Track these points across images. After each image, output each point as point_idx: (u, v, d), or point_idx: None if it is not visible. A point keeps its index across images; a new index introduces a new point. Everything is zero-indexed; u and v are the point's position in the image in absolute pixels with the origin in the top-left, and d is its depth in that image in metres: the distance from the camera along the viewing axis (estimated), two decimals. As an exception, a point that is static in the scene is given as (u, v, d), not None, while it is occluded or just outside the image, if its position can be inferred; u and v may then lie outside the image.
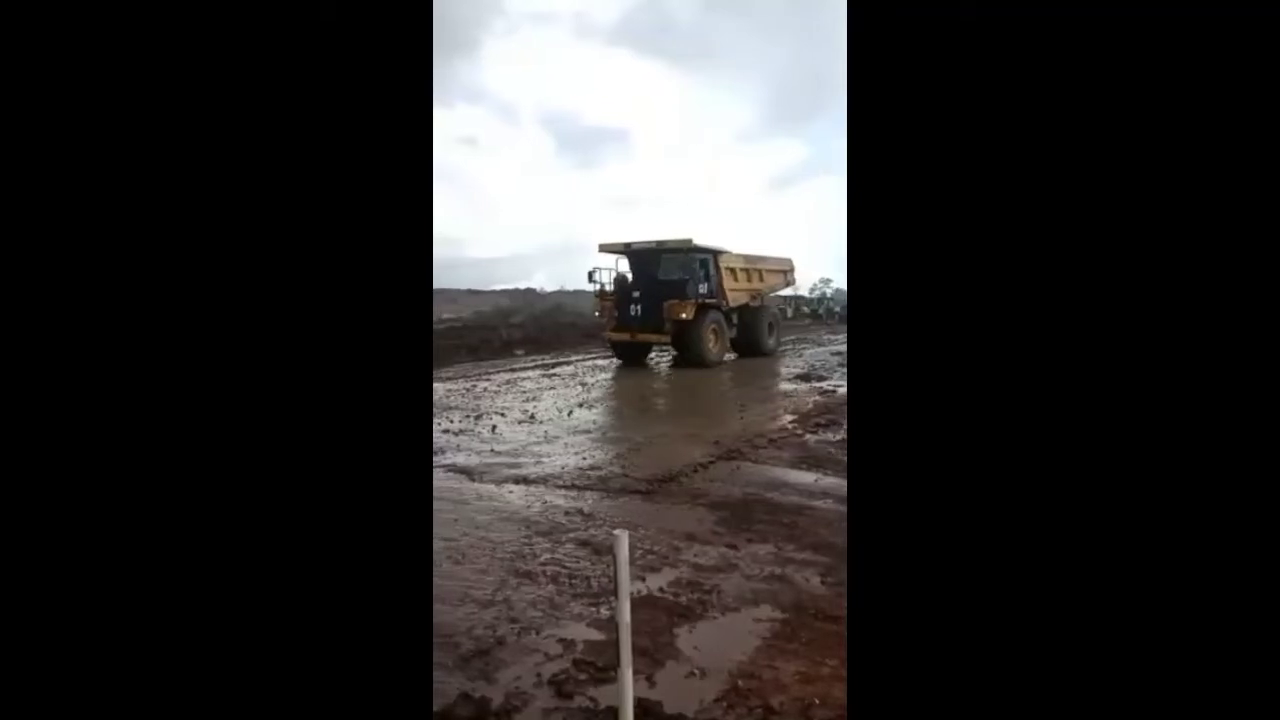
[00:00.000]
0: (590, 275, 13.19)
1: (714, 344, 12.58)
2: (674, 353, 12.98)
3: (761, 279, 14.56)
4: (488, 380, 10.83)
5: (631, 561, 2.79)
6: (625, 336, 12.67)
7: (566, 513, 4.45)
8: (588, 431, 7.17)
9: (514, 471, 5.53)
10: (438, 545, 3.90)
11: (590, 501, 4.69)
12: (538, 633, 2.86)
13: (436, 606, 3.08)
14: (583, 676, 2.51)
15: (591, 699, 2.36)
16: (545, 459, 5.97)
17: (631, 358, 13.20)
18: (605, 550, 3.74)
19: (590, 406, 8.70)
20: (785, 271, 15.82)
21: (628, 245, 12.76)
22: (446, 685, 2.44)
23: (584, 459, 5.93)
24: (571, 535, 4.02)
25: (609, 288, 13.16)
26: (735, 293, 13.54)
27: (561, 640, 2.79)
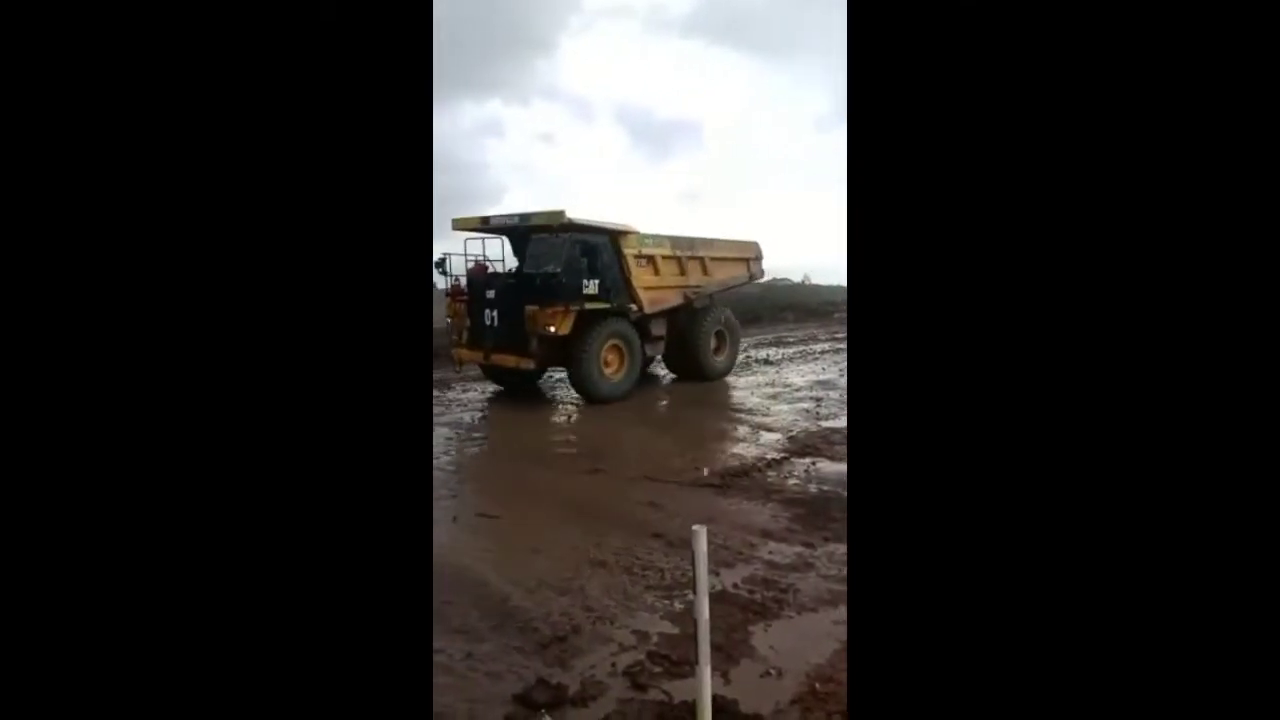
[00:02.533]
0: (439, 265, 8.64)
1: (616, 368, 8.37)
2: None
3: (705, 271, 9.88)
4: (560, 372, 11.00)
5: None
6: (479, 357, 8.39)
7: (638, 503, 4.46)
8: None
9: (589, 463, 5.59)
10: (508, 529, 3.99)
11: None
12: (612, 622, 2.88)
13: (515, 591, 3.16)
14: (657, 669, 2.51)
15: (666, 692, 2.35)
16: (617, 449, 6.01)
17: (516, 383, 8.93)
18: (677, 543, 3.73)
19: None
20: (747, 260, 10.89)
21: (485, 220, 8.60)
22: (525, 670, 2.50)
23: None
24: (643, 526, 4.02)
25: (463, 283, 8.73)
26: (656, 291, 9.04)
27: (636, 631, 2.80)
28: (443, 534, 3.86)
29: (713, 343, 10.08)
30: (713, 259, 10.12)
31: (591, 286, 8.15)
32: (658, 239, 9.21)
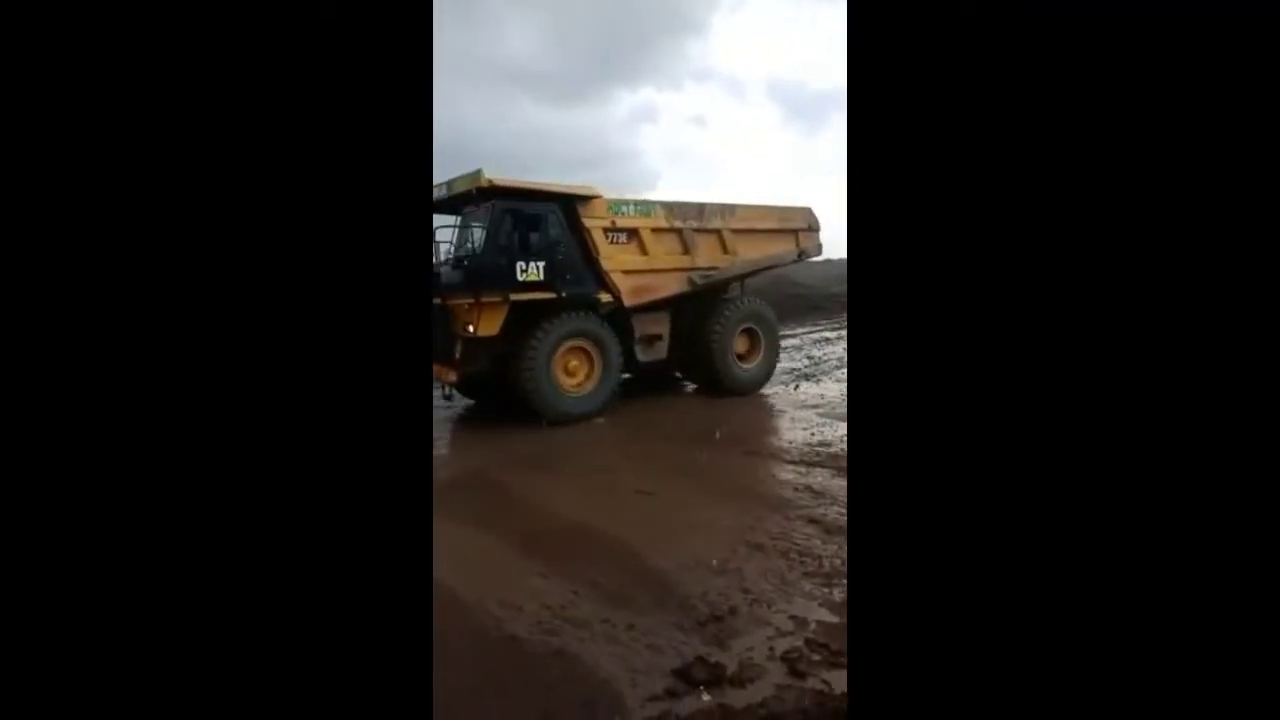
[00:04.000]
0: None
1: (582, 378, 6.62)
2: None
3: (725, 247, 7.51)
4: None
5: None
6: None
7: (795, 488, 4.38)
8: (815, 406, 6.96)
9: (742, 446, 5.58)
10: (677, 515, 4.10)
11: (820, 478, 4.56)
12: (769, 606, 2.87)
13: (672, 567, 3.25)
14: (816, 657, 2.47)
15: (825, 682, 2.31)
16: (773, 433, 5.92)
17: (487, 399, 7.34)
18: (835, 530, 3.62)
19: (816, 380, 8.43)
20: (795, 232, 8.18)
21: None
22: (684, 647, 2.57)
23: (811, 435, 5.78)
24: (801, 512, 3.95)
25: None
26: (642, 276, 6.91)
27: (793, 617, 2.77)
28: (601, 508, 4.05)
29: (738, 345, 7.62)
30: (737, 231, 7.57)
31: (532, 270, 6.22)
32: (645, 206, 6.95)
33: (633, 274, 6.87)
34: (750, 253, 7.80)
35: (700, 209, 7.40)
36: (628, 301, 6.86)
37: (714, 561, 3.30)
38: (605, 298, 6.75)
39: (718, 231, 7.49)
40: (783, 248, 8.19)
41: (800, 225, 8.28)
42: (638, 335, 7.10)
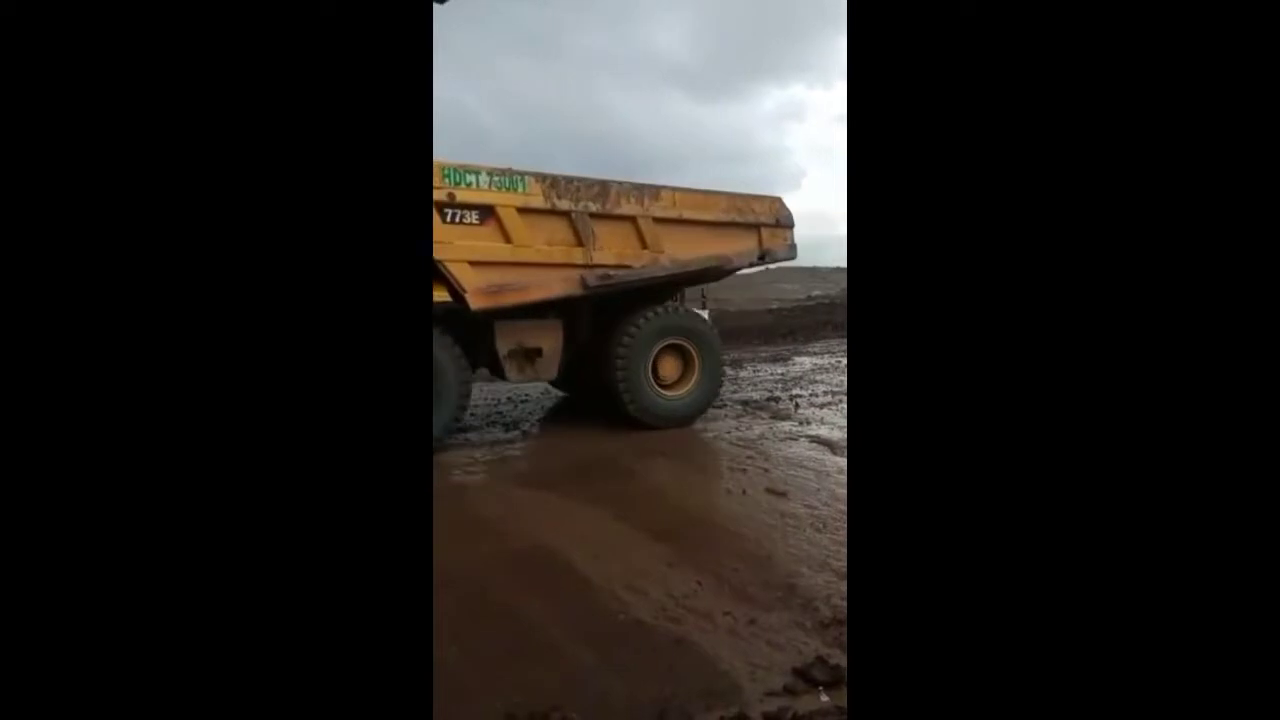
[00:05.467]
0: None
1: None
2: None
3: (643, 240, 5.72)
4: (855, 354, 10.56)
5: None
6: None
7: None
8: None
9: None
10: (802, 511, 4.02)
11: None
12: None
13: (800, 569, 3.20)
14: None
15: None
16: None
17: None
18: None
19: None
20: (757, 226, 6.28)
21: None
22: (805, 647, 2.53)
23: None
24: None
25: None
26: (505, 272, 5.20)
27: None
28: (733, 505, 4.06)
29: (662, 367, 5.91)
30: (663, 221, 5.74)
31: None
32: (507, 178, 5.13)
33: (485, 266, 5.10)
34: (684, 250, 5.87)
35: (604, 188, 5.46)
36: (476, 303, 5.07)
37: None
38: (441, 295, 4.99)
39: (631, 220, 5.62)
40: (737, 246, 6.20)
41: (764, 219, 6.29)
42: (504, 349, 5.45)
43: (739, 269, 6.68)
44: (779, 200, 6.45)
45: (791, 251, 6.71)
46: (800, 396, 7.67)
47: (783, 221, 6.48)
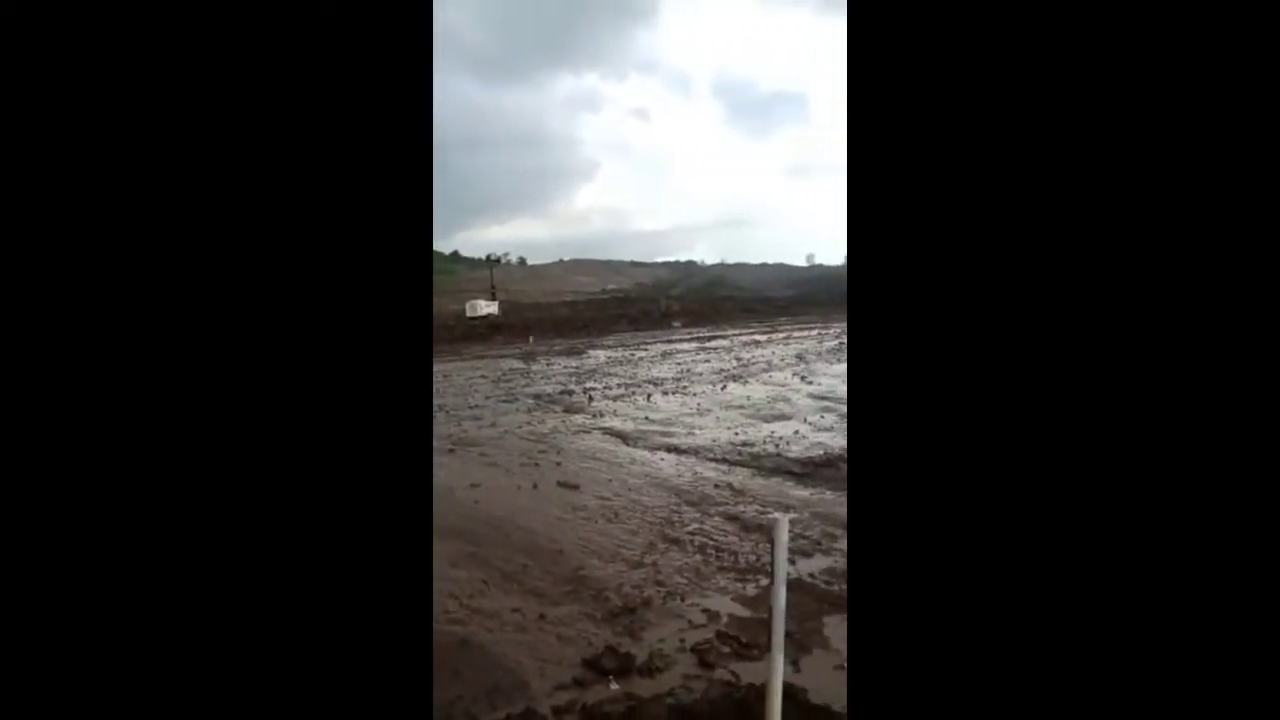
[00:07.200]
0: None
1: None
2: None
3: None
4: (645, 350, 11.06)
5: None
6: None
7: (716, 485, 4.43)
8: (740, 406, 7.08)
9: (666, 440, 5.61)
10: (593, 503, 4.07)
11: (740, 477, 4.63)
12: (683, 599, 2.88)
13: (590, 561, 3.22)
14: (725, 650, 2.49)
15: (733, 673, 2.33)
16: (698, 430, 5.98)
17: None
18: (753, 526, 3.68)
19: (744, 381, 8.59)
20: None
21: None
22: (595, 637, 2.54)
23: (736, 434, 5.87)
24: (720, 509, 4.00)
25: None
26: None
27: (706, 610, 2.79)
28: (515, 501, 3.98)
29: None
30: None
31: None
32: None
33: None
34: None
35: None
36: None
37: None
38: None
39: None
40: None
41: None
42: None
43: None
44: None
45: None
46: (594, 389, 7.82)
47: None
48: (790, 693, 2.14)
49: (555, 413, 6.65)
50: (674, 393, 7.76)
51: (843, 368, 9.76)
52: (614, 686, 2.26)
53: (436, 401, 5.93)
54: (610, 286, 25.76)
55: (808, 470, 4.78)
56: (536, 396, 7.25)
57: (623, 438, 5.67)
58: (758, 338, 13.36)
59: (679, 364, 9.82)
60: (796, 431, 5.97)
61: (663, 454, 5.21)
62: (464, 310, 28.12)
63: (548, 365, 9.43)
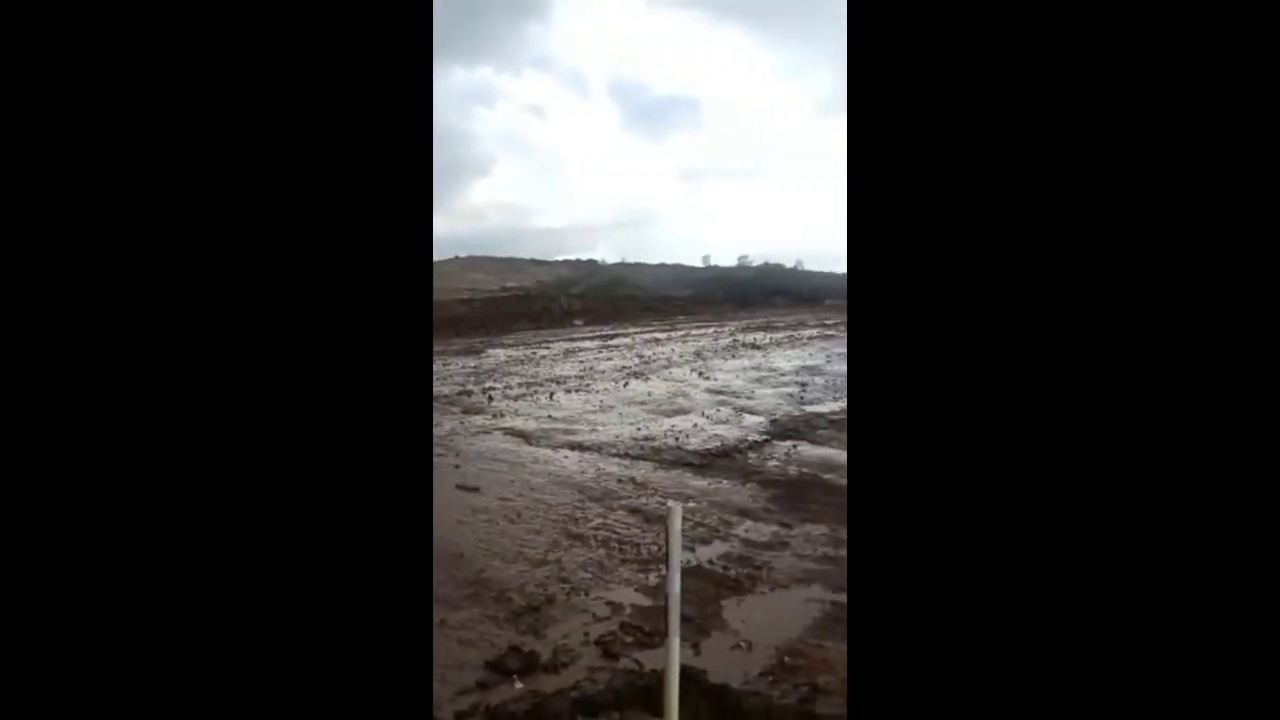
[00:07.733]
0: None
1: None
2: None
3: None
4: (547, 349, 10.98)
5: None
6: None
7: (619, 480, 4.49)
8: (642, 403, 7.19)
9: (569, 438, 5.61)
10: (495, 504, 4.01)
11: (643, 471, 4.72)
12: (587, 594, 2.91)
13: (492, 563, 3.18)
14: (629, 639, 2.54)
15: (636, 661, 2.38)
16: (600, 427, 6.02)
17: None
18: (655, 518, 3.76)
19: (646, 378, 8.72)
20: None
21: None
22: (498, 638, 2.52)
23: (638, 429, 5.96)
24: (623, 502, 4.06)
25: None
26: None
27: (610, 603, 2.83)
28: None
29: None
30: None
31: None
32: None
33: None
34: None
35: None
36: None
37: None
38: None
39: None
40: None
41: None
42: None
43: None
44: None
45: None
46: (494, 389, 7.68)
47: None
48: (690, 675, 2.22)
49: (453, 414, 6.48)
50: (577, 390, 7.76)
51: (736, 364, 10.13)
52: (518, 685, 2.25)
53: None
54: (510, 284, 25.28)
55: (706, 461, 4.94)
56: (434, 397, 7.04)
57: (525, 437, 5.61)
58: (658, 336, 13.59)
59: (582, 362, 9.83)
60: (695, 425, 6.15)
61: (566, 452, 5.21)
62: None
63: (444, 365, 9.14)
